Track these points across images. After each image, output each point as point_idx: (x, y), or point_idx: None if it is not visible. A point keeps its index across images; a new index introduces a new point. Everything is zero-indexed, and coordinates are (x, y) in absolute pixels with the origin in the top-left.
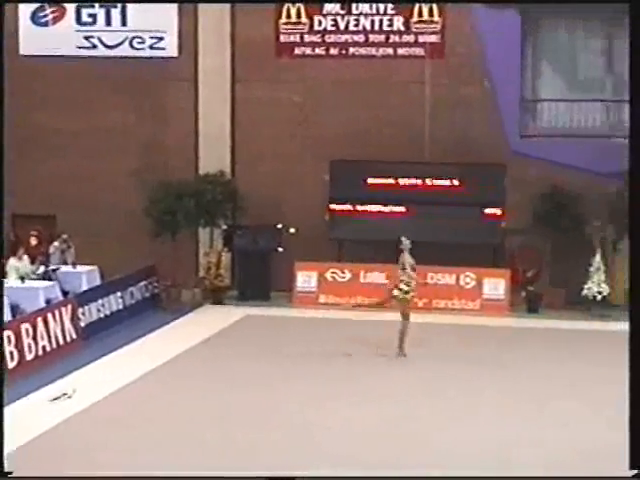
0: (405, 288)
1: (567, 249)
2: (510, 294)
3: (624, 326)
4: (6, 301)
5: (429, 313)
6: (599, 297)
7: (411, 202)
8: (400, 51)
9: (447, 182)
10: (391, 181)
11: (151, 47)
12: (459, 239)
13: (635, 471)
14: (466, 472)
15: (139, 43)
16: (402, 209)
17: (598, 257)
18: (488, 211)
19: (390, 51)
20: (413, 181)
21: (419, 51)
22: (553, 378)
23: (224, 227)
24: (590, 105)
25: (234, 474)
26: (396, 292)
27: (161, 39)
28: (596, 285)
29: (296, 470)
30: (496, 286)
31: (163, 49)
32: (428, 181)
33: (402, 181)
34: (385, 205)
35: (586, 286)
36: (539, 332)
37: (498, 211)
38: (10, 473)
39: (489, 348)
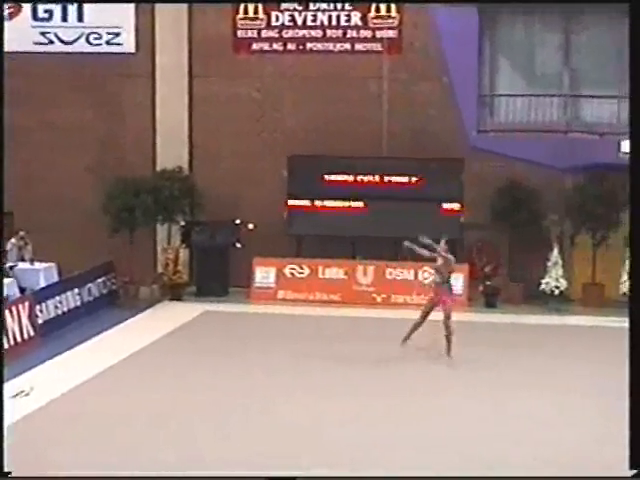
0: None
1: (525, 244)
2: (468, 289)
3: (581, 320)
4: None
5: (388, 308)
6: (557, 292)
7: (369, 198)
8: (358, 46)
9: (405, 178)
10: (349, 177)
11: (108, 43)
12: (417, 234)
13: (635, 471)
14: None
15: (96, 39)
16: (360, 205)
17: (556, 252)
18: (446, 206)
19: (348, 46)
20: (371, 177)
21: (377, 47)
22: (512, 371)
23: (182, 223)
24: (547, 100)
25: (197, 472)
26: None
27: (118, 35)
28: (554, 280)
29: (262, 464)
30: (454, 281)
31: (120, 45)
32: (386, 177)
33: (360, 177)
34: (343, 201)
35: (544, 280)
36: (497, 326)
37: (456, 206)
38: (9, 473)
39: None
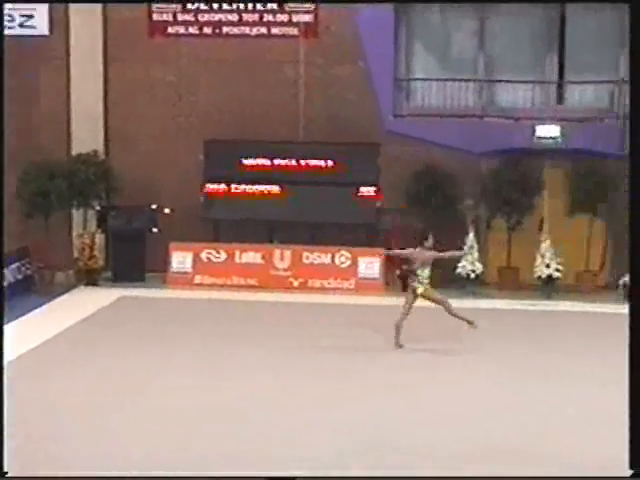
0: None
1: (441, 228)
2: (385, 273)
3: (497, 303)
4: None
5: (304, 293)
6: (472, 275)
7: (286, 182)
8: (274, 30)
9: (322, 162)
10: (266, 161)
11: (21, 25)
12: (334, 219)
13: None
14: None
15: (9, 21)
16: (277, 189)
17: (471, 236)
18: (363, 191)
19: (264, 30)
20: (288, 161)
21: (293, 31)
22: (431, 355)
23: (98, 208)
24: (463, 85)
25: (125, 462)
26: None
27: (31, 17)
28: (470, 264)
29: (186, 447)
30: (371, 265)
31: (34, 27)
32: (303, 161)
33: (277, 161)
34: (260, 185)
35: (460, 264)
36: (413, 310)
37: (372, 191)
38: (6, 473)
39: (365, 328)
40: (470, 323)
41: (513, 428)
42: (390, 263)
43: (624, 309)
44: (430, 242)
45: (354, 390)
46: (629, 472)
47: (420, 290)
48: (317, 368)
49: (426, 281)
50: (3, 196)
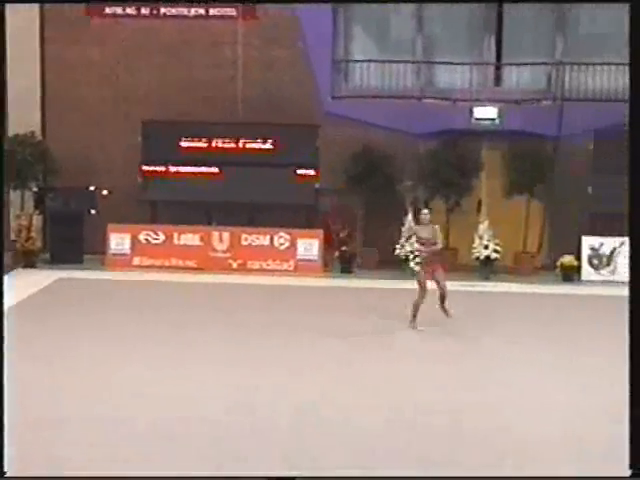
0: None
1: (380, 209)
2: (324, 255)
3: (434, 284)
4: None
5: (243, 274)
6: (411, 256)
7: (224, 163)
8: (212, 11)
9: (260, 143)
10: (204, 142)
11: None
12: (273, 200)
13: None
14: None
15: None
16: (215, 170)
17: (410, 217)
18: (301, 172)
19: (202, 11)
20: (226, 142)
21: (231, 12)
22: (368, 337)
23: (35, 189)
24: (401, 66)
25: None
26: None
27: None
28: (409, 245)
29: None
30: (310, 247)
31: None
32: (241, 142)
33: (215, 142)
34: (198, 166)
35: (399, 246)
36: (353, 292)
37: (311, 172)
38: (5, 473)
39: (304, 309)
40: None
41: (445, 404)
42: (328, 245)
43: (561, 289)
44: (426, 216)
45: (289, 370)
46: (629, 472)
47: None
48: (258, 351)
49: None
50: (3, 196)
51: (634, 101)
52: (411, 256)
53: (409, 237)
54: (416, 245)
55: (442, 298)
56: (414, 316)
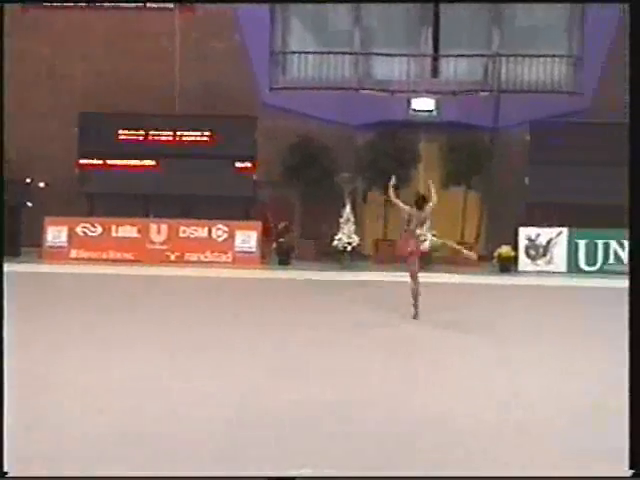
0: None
1: (317, 201)
2: (262, 246)
3: (373, 276)
4: None
5: (181, 266)
6: (349, 248)
7: (162, 155)
8: (149, 3)
9: (198, 135)
10: (141, 134)
11: None
12: (211, 192)
13: (634, 471)
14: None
15: None
16: (153, 162)
17: (348, 208)
18: (239, 164)
19: (140, 3)
20: (164, 134)
21: (169, 3)
22: (310, 328)
23: None
24: (339, 58)
25: None
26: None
27: None
28: (346, 236)
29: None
30: (248, 239)
31: None
32: (179, 134)
33: (153, 134)
34: (136, 158)
35: (336, 237)
36: (291, 283)
37: (249, 164)
38: (6, 473)
39: (242, 301)
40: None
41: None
42: (266, 236)
43: (499, 280)
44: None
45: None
46: (629, 472)
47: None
48: (201, 342)
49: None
50: (3, 195)
51: (634, 101)
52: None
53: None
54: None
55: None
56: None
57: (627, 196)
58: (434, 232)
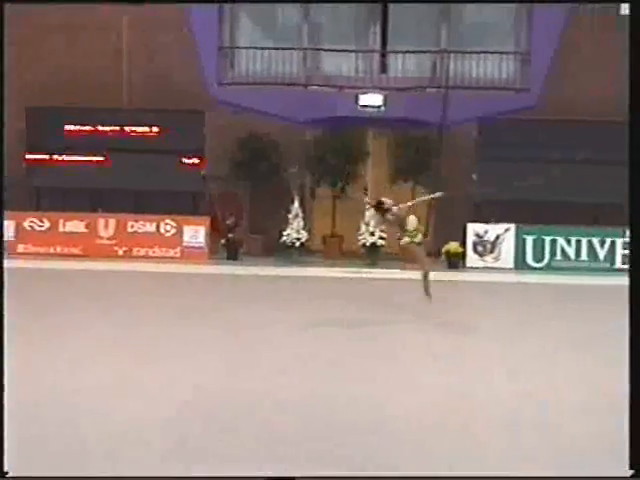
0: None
1: (266, 196)
2: (210, 241)
3: (322, 271)
4: None
5: (130, 261)
6: (297, 243)
7: (110, 150)
8: None
9: (146, 129)
10: (89, 128)
11: None
12: (159, 187)
13: (634, 471)
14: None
15: None
16: (101, 157)
17: (296, 204)
18: (188, 158)
19: None
20: (112, 128)
21: None
22: (260, 324)
23: None
24: (287, 53)
25: None
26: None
27: None
28: (295, 232)
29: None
30: (196, 234)
31: None
32: (127, 129)
33: (101, 128)
34: (84, 153)
35: (285, 232)
36: (239, 279)
37: (198, 159)
38: (7, 473)
39: (188, 296)
40: (427, 295)
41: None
42: (215, 231)
43: (447, 276)
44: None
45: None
46: (629, 472)
47: (402, 242)
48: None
49: (410, 236)
50: (3, 193)
51: (634, 101)
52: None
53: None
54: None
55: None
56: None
57: (574, 193)
58: (382, 228)
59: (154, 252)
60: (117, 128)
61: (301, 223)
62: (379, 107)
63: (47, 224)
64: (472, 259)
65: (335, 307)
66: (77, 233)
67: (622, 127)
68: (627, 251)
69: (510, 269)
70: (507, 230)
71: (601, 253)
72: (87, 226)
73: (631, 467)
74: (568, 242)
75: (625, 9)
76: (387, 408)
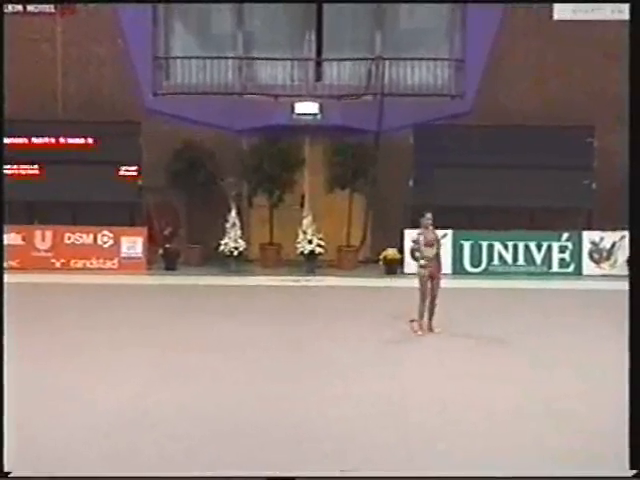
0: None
1: (203, 206)
2: (148, 252)
3: (260, 280)
4: None
5: (67, 274)
6: (235, 252)
7: (45, 161)
8: (30, 7)
9: (82, 140)
10: (24, 140)
11: None
12: (95, 198)
13: (635, 471)
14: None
15: None
16: (36, 169)
17: (234, 213)
18: (124, 169)
19: (19, 7)
20: (47, 140)
21: (49, 8)
22: (203, 333)
23: None
24: (222, 62)
25: None
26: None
27: None
28: (232, 241)
29: None
30: (134, 244)
31: None
32: (62, 140)
33: (35, 140)
34: (18, 165)
35: (222, 242)
36: (178, 289)
37: (134, 169)
38: (9, 473)
39: (129, 307)
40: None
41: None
42: (152, 242)
43: (384, 282)
44: (427, 220)
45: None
46: (630, 472)
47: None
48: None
49: (423, 261)
50: (3, 195)
51: (634, 101)
52: (418, 255)
53: (416, 250)
54: (423, 247)
55: (431, 310)
56: (420, 317)
57: (510, 197)
58: (320, 236)
59: (92, 264)
60: (52, 140)
61: (238, 232)
62: (315, 115)
63: None
64: (409, 265)
65: (272, 314)
66: (14, 246)
67: (556, 132)
68: (563, 255)
69: (447, 274)
70: (444, 236)
71: (538, 257)
72: (24, 239)
73: (631, 467)
74: (505, 247)
75: (558, 14)
76: None
